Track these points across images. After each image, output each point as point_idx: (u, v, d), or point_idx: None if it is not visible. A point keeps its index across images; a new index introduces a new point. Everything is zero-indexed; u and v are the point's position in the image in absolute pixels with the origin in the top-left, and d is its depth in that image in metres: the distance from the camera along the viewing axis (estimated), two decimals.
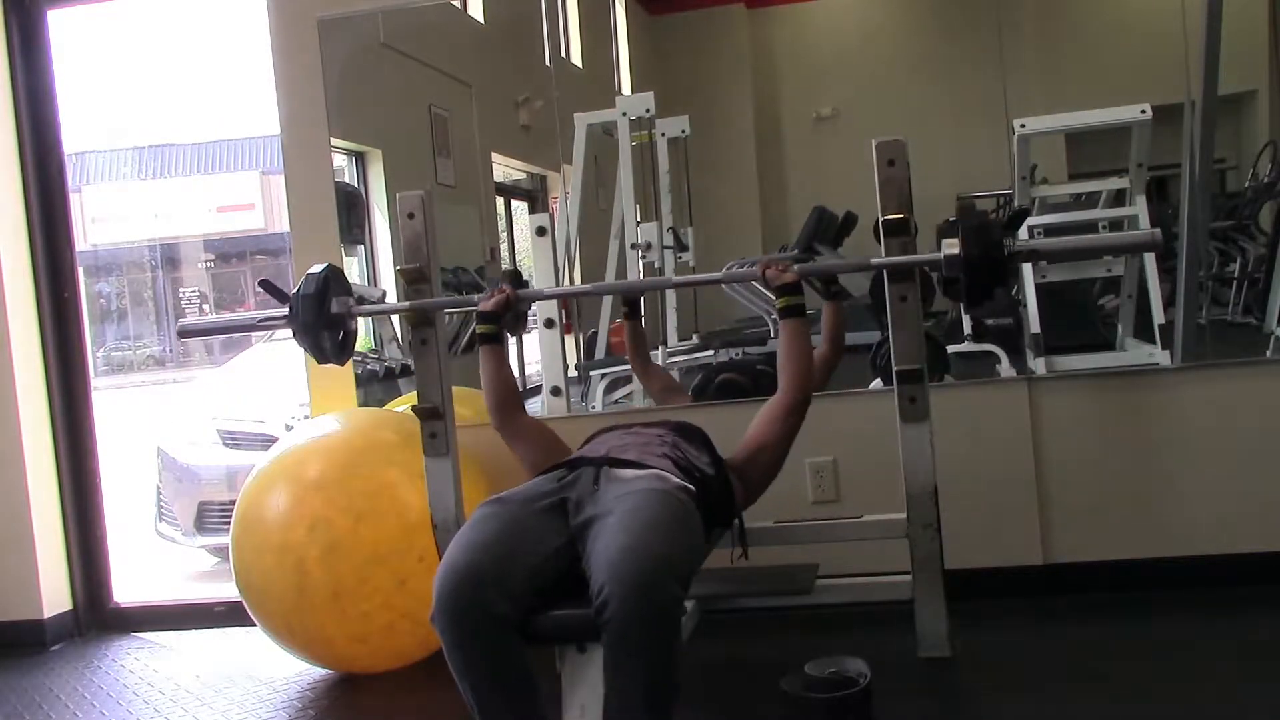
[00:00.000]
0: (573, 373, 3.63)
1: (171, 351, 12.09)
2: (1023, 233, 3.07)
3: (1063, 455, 3.07)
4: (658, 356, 3.82)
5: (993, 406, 3.11)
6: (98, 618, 3.75)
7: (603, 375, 3.88)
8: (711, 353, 4.00)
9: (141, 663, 3.35)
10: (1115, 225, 3.55)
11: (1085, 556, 3.06)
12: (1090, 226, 3.58)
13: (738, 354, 3.94)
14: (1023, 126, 3.38)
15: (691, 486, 2.16)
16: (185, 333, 2.90)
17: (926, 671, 2.57)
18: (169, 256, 12.03)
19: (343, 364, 2.75)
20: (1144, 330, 3.51)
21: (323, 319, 2.59)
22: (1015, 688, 2.50)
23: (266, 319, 2.70)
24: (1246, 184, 3.87)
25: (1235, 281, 3.86)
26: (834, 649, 2.43)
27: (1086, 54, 3.97)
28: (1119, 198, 3.58)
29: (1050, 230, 3.51)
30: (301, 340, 2.62)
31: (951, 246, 2.36)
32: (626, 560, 1.88)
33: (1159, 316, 3.42)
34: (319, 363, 2.66)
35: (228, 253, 13.08)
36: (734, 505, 2.43)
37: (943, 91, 4.13)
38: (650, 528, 1.95)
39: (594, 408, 3.79)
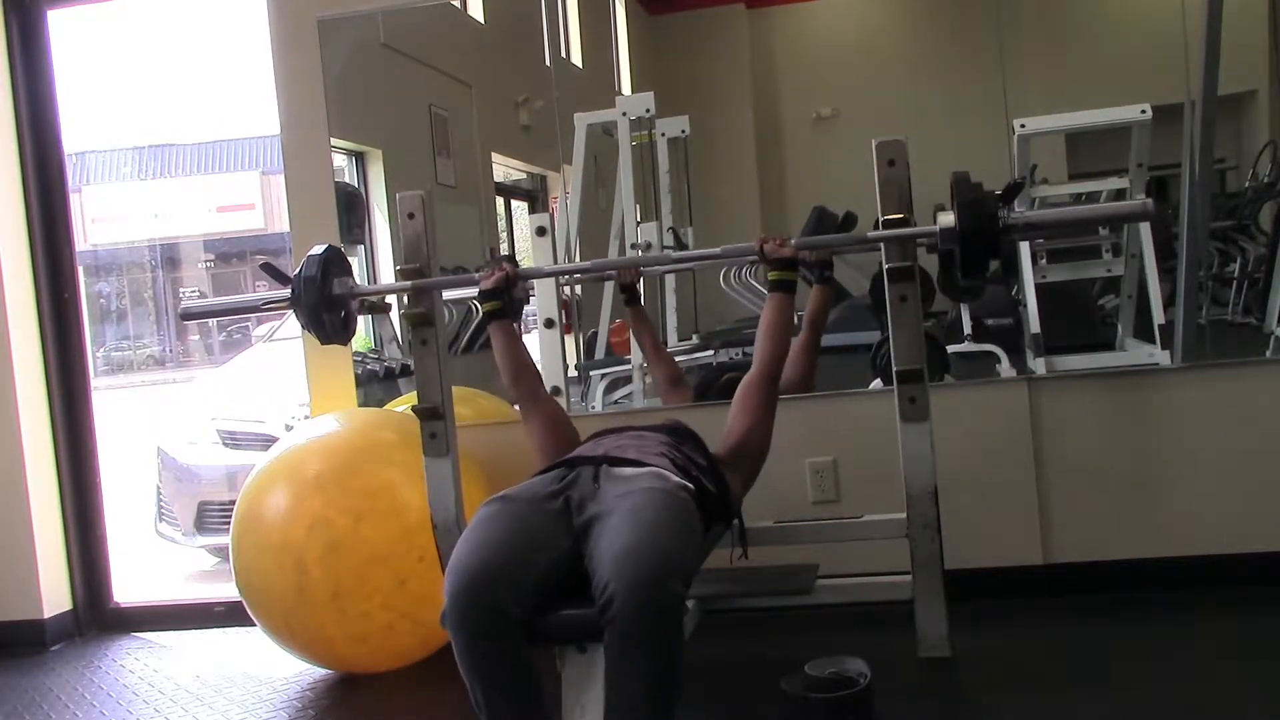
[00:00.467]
0: (572, 373, 3.63)
1: (171, 351, 12.11)
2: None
3: (1063, 455, 3.07)
4: None
5: (993, 406, 3.11)
6: (98, 618, 3.75)
7: (603, 375, 3.88)
8: (711, 353, 4.01)
9: (141, 663, 3.35)
10: (1115, 225, 3.56)
11: (1085, 556, 3.06)
12: (1091, 226, 3.58)
13: (738, 354, 3.94)
14: (1023, 126, 3.38)
15: (690, 485, 2.17)
16: (188, 315, 2.93)
17: (926, 671, 2.57)
18: (169, 256, 12.05)
19: (345, 343, 2.77)
20: (1144, 330, 3.51)
21: (324, 300, 2.60)
22: (1015, 688, 2.50)
23: (269, 301, 2.72)
24: (1246, 184, 3.87)
25: (1235, 281, 3.86)
26: (834, 649, 2.43)
27: (1086, 54, 3.97)
28: (1119, 198, 3.57)
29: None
30: (303, 321, 2.63)
31: (947, 218, 2.36)
32: (629, 559, 1.89)
33: (1159, 316, 3.42)
34: (322, 343, 2.66)
35: (228, 253, 13.11)
36: (731, 501, 2.43)
37: (943, 91, 4.13)
38: (652, 527, 1.96)
39: (594, 408, 3.79)
